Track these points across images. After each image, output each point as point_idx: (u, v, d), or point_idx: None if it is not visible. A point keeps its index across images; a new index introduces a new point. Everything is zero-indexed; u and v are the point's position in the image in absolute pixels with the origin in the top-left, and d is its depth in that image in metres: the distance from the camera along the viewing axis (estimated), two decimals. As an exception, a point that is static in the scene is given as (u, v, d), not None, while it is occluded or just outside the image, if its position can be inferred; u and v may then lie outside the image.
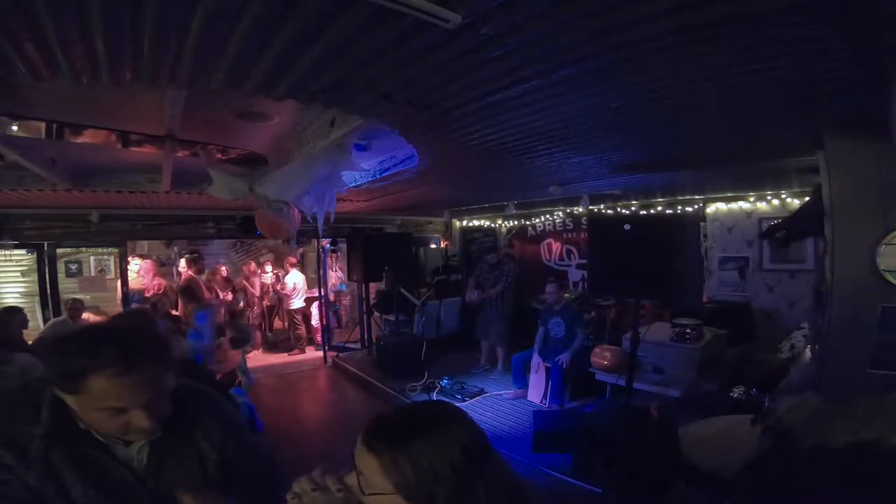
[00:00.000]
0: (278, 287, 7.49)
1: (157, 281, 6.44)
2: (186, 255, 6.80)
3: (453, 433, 0.74)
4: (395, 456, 0.70)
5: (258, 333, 7.50)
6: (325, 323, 7.50)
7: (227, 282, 7.36)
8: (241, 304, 7.39)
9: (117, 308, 5.51)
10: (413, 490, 0.69)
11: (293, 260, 7.51)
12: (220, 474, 1.06)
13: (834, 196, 2.43)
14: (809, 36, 1.34)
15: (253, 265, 7.84)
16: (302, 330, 7.49)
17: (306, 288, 7.44)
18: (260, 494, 1.15)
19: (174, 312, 5.89)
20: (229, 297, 7.29)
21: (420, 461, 0.70)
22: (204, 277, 6.87)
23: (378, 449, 0.72)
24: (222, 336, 3.28)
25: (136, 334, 0.94)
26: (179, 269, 6.69)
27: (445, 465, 0.69)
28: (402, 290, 6.51)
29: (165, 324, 4.37)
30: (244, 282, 7.50)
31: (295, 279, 7.30)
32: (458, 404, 4.76)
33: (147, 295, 6.12)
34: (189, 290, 5.57)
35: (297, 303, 7.33)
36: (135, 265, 6.48)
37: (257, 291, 7.43)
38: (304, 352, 7.42)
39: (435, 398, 4.80)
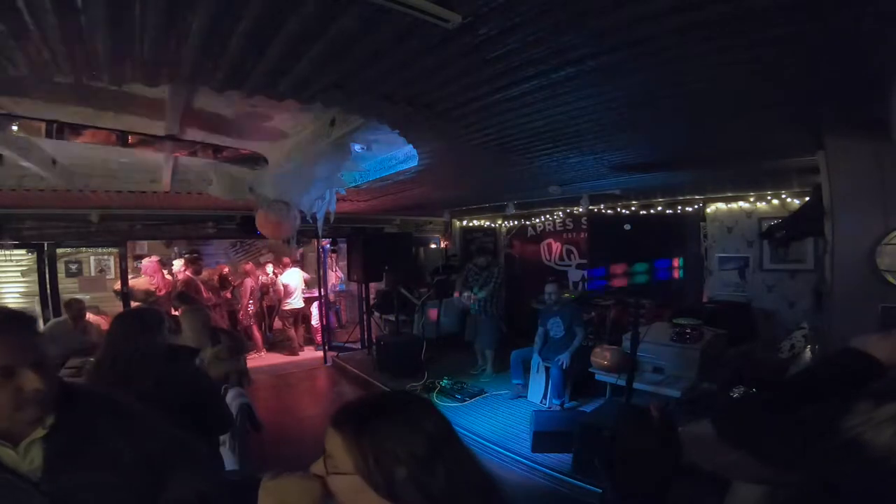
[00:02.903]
0: (275, 287, 7.44)
1: (166, 280, 6.41)
2: (185, 255, 6.78)
3: (416, 420, 0.76)
4: (359, 436, 0.73)
5: (258, 335, 7.47)
6: (325, 323, 7.48)
7: (225, 282, 7.34)
8: (240, 305, 7.38)
9: (117, 308, 5.50)
10: (372, 471, 0.71)
11: (287, 260, 7.47)
12: (144, 475, 0.99)
13: (834, 196, 2.44)
14: (809, 36, 1.34)
15: (249, 266, 7.82)
16: (293, 332, 7.37)
17: (304, 287, 7.38)
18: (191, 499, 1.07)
19: (174, 312, 5.88)
20: (228, 296, 7.28)
21: (381, 443, 0.72)
22: (204, 276, 6.85)
23: (343, 428, 0.75)
24: (217, 343, 3.12)
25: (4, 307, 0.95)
26: (174, 269, 6.64)
27: (405, 449, 0.72)
28: (402, 290, 6.51)
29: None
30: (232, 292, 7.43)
31: (289, 279, 7.22)
32: (458, 404, 4.76)
33: (160, 294, 6.09)
34: (183, 295, 5.49)
35: (293, 303, 7.25)
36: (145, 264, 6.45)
37: (248, 293, 7.38)
38: (297, 354, 7.28)
39: (435, 398, 4.80)
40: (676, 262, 5.51)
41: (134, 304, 5.57)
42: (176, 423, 1.68)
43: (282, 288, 7.23)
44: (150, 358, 1.70)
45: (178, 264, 6.66)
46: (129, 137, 3.29)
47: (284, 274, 7.28)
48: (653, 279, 5.67)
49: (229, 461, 2.54)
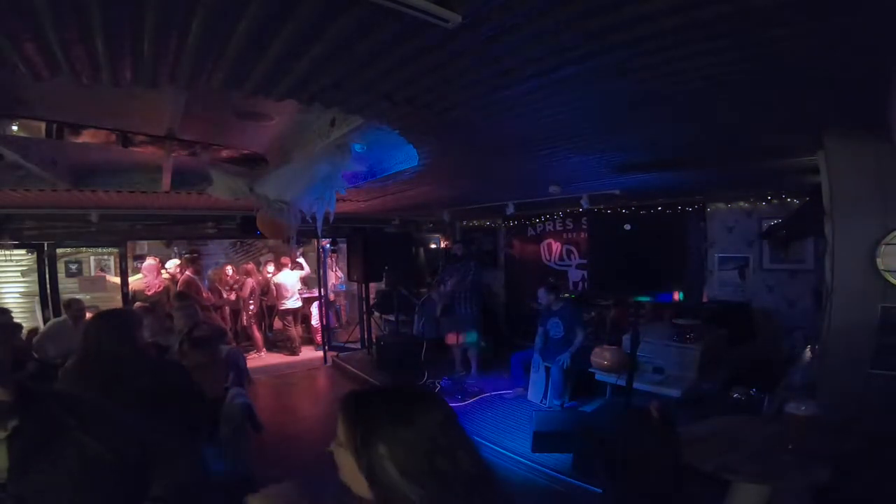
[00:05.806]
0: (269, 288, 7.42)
1: (159, 280, 6.41)
2: (185, 255, 6.77)
3: (414, 407, 0.83)
4: (352, 416, 0.84)
5: (258, 335, 7.46)
6: (325, 323, 7.48)
7: (220, 291, 7.33)
8: (243, 304, 7.36)
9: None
10: (357, 446, 0.79)
11: (285, 260, 7.47)
12: (116, 475, 0.99)
13: (834, 196, 2.44)
14: (809, 35, 1.34)
15: (251, 266, 7.82)
16: (293, 331, 7.37)
17: (299, 287, 7.36)
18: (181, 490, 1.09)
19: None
20: (232, 296, 7.27)
21: (370, 425, 0.80)
22: (210, 276, 6.84)
23: (343, 408, 0.87)
24: (189, 335, 3.07)
25: None
26: (171, 269, 6.64)
27: (392, 431, 0.79)
28: (402, 290, 6.51)
29: (159, 323, 4.34)
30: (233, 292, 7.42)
31: (283, 279, 7.20)
32: (458, 404, 4.76)
33: (148, 294, 6.09)
34: (181, 294, 5.50)
35: (289, 303, 7.23)
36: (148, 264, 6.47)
37: (246, 293, 7.38)
38: (296, 354, 7.28)
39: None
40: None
41: (138, 304, 5.56)
42: (170, 413, 1.70)
43: (274, 289, 7.22)
44: (141, 355, 1.72)
45: (171, 265, 6.67)
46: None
47: (279, 274, 7.27)
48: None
49: (228, 460, 2.55)
